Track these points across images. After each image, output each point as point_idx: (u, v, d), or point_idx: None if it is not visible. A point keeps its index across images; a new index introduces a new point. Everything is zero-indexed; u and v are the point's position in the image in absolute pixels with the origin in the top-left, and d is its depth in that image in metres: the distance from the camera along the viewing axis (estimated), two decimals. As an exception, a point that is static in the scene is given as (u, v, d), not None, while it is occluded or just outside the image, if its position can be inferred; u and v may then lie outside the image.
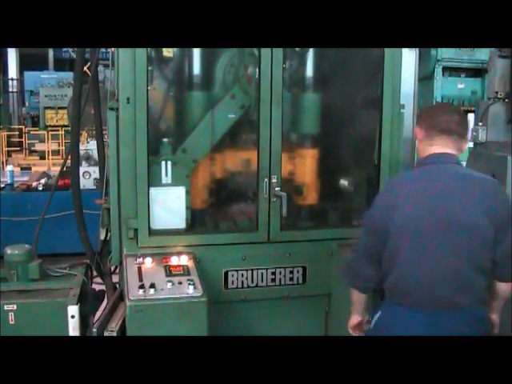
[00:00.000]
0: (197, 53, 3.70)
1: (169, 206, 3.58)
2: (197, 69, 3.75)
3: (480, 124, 5.29)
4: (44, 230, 4.14)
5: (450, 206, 2.60)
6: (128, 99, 3.37)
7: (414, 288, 2.64)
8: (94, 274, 4.16)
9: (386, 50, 3.69)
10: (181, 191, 3.60)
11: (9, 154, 19.38)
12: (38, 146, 19.43)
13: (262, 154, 3.58)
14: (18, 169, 14.78)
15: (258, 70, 3.55)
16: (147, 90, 3.38)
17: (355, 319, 3.05)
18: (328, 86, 4.10)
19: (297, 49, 3.89)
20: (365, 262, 2.80)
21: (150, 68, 3.46)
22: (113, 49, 3.70)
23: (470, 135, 5.43)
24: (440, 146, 2.72)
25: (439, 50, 15.15)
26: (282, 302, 3.79)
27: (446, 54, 15.26)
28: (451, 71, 15.87)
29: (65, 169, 4.38)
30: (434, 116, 2.78)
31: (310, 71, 3.95)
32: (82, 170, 8.04)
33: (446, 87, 15.72)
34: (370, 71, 4.01)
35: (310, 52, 3.89)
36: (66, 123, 19.23)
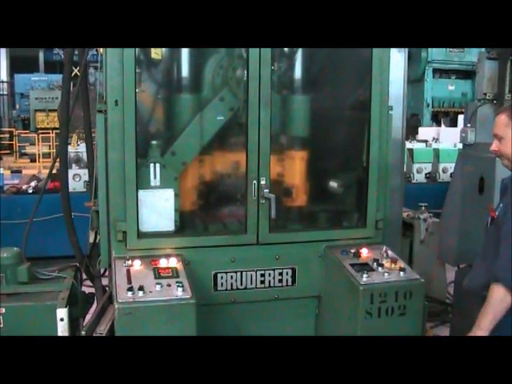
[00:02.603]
0: (185, 55, 3.70)
1: (158, 208, 3.57)
2: (185, 71, 3.76)
3: (469, 125, 5.32)
4: (34, 233, 4.12)
5: None
6: (116, 101, 3.36)
7: None
8: (84, 276, 4.15)
9: (374, 51, 3.70)
10: (170, 194, 3.59)
11: (-1, 156, 19.32)
12: (29, 149, 19.36)
13: (251, 156, 3.58)
14: (9, 172, 14.68)
15: (246, 71, 3.56)
16: (135, 92, 3.37)
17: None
18: (317, 87, 4.11)
19: (285, 50, 3.89)
20: None
21: (138, 70, 3.45)
22: (102, 51, 3.69)
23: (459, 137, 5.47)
24: None
25: (429, 52, 15.27)
26: (272, 304, 3.79)
27: (437, 56, 15.37)
28: (441, 73, 16.00)
29: (55, 171, 4.36)
30: None
31: (298, 73, 3.96)
32: (72, 172, 8.03)
33: (436, 89, 15.84)
34: (359, 73, 4.02)
35: (299, 54, 3.90)
36: (56, 126, 19.18)
